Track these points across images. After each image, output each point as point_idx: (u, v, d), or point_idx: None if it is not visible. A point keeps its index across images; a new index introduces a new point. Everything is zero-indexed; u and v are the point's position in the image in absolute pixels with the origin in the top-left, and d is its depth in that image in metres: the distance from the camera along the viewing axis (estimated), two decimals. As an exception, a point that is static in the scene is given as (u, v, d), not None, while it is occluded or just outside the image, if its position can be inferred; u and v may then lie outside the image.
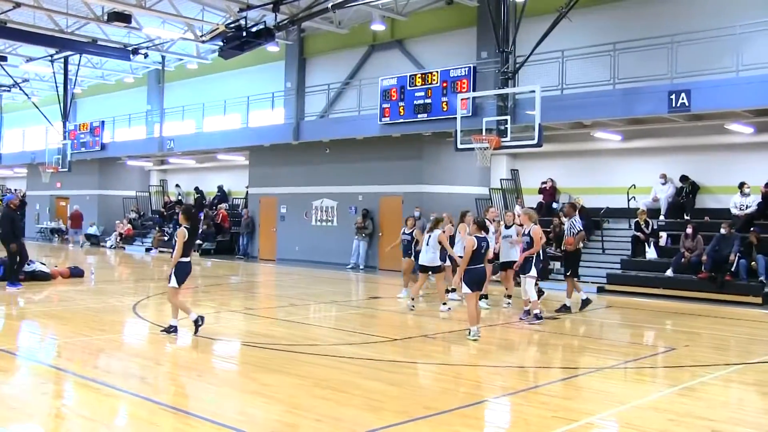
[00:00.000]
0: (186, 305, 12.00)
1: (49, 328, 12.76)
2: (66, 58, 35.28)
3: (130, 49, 31.52)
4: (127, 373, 9.44)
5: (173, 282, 11.55)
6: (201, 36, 28.26)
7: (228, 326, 13.69)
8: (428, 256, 15.51)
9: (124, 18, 24.45)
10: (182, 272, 11.60)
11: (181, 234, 11.49)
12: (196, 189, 37.56)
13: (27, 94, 40.31)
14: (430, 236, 15.54)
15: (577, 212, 16.30)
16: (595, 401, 8.29)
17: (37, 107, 38.70)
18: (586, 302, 15.76)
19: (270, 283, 23.15)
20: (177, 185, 39.43)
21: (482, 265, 12.13)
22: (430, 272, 15.76)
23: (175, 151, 34.12)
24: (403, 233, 17.68)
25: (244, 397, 8.24)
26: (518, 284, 15.99)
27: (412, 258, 17.19)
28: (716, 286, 18.17)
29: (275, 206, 30.37)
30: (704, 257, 18.54)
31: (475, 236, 12.02)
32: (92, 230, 38.82)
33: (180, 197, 38.05)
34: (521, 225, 15.00)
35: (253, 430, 6.84)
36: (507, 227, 15.76)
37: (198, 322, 11.61)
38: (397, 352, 11.06)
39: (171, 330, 11.62)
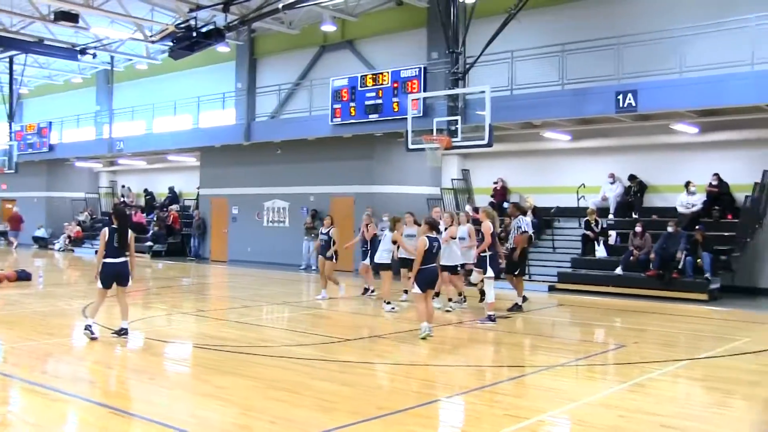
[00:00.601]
0: (97, 310, 11.65)
1: (-5, 332, 12.51)
2: (11, 58, 34.71)
3: (77, 49, 31.06)
4: (76, 377, 9.31)
5: (98, 283, 11.43)
6: (150, 36, 27.93)
7: (180, 328, 13.57)
8: (383, 255, 15.82)
9: (71, 17, 24.09)
10: (105, 273, 11.40)
11: (102, 234, 11.44)
12: (146, 190, 37.15)
13: (-29, 94, 39.53)
14: (384, 235, 15.67)
15: (522, 212, 16.60)
16: (547, 399, 8.38)
17: (-19, 108, 37.98)
18: (516, 307, 15.69)
19: (222, 284, 22.99)
20: (123, 186, 38.94)
21: (434, 264, 12.15)
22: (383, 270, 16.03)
23: (125, 152, 33.69)
24: (321, 233, 17.81)
25: (196, 400, 8.18)
26: (469, 283, 16.18)
27: (337, 257, 17.64)
28: (664, 283, 18.49)
29: (226, 207, 30.18)
30: (652, 255, 18.85)
31: (427, 236, 12.05)
32: (40, 233, 38.14)
33: (125, 198, 37.55)
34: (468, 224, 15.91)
35: (205, 433, 6.79)
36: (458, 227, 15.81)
37: (120, 332, 11.50)
38: (349, 353, 11.05)
39: (122, 333, 11.48)
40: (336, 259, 17.45)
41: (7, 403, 8.15)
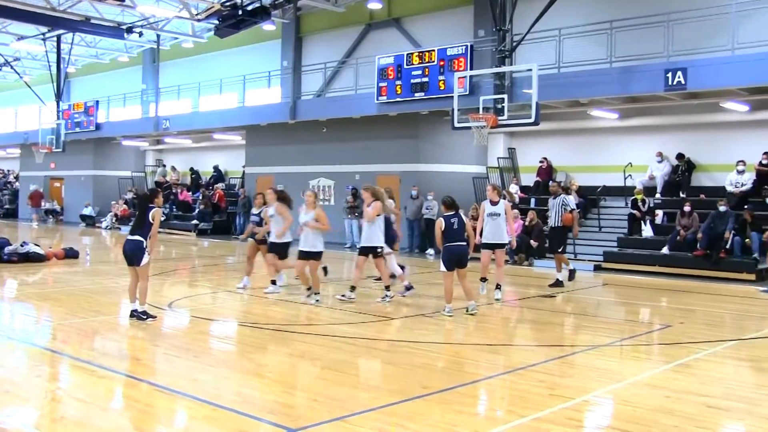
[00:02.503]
0: (132, 290, 11.30)
1: (44, 310, 12.73)
2: (58, 37, 35.07)
3: (124, 27, 31.37)
4: (122, 354, 9.46)
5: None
6: (196, 14, 28.12)
7: (225, 306, 13.70)
8: (365, 236, 13.99)
9: (118, -4, 24.32)
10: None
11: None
12: (192, 169, 37.47)
13: (19, 73, 40.13)
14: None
15: (568, 192, 16.48)
16: (592, 379, 8.32)
17: (29, 86, 38.56)
18: (558, 283, 15.79)
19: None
20: (160, 164, 39.32)
21: (459, 243, 12.10)
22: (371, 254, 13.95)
23: (171, 130, 34.02)
24: (252, 213, 15.43)
25: (240, 378, 8.25)
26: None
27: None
28: (711, 263, 18.25)
29: (272, 185, 30.27)
30: (699, 235, 18.59)
31: (444, 215, 12.16)
32: (87, 211, 38.73)
33: (164, 177, 37.92)
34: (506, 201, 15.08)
35: (250, 410, 6.84)
36: (493, 204, 14.35)
37: (141, 316, 11.08)
38: (393, 331, 11.07)
39: (132, 315, 11.19)
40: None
41: (57, 380, 8.31)
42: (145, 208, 11.17)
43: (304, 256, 13.33)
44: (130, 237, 11.12)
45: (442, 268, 12.14)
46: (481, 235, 14.18)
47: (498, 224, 14.07)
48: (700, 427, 6.60)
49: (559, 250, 15.97)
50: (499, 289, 14.01)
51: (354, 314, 12.37)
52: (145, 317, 11.08)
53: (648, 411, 7.00)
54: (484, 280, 14.41)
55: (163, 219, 13.21)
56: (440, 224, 12.10)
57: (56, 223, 40.73)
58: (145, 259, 11.03)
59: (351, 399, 7.29)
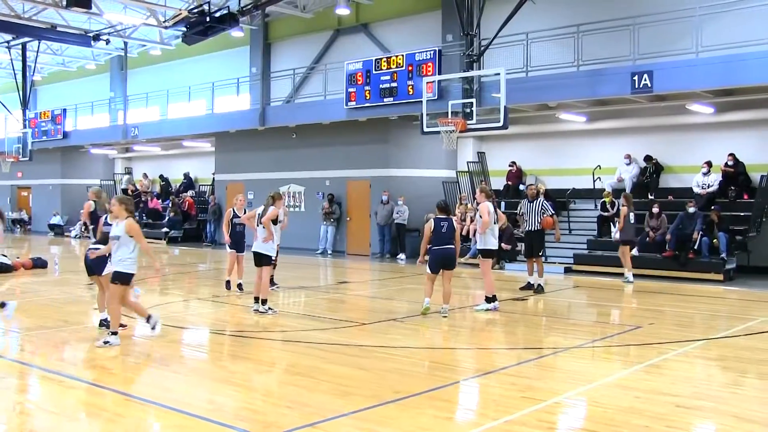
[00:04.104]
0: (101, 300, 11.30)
1: (11, 321, 12.55)
2: (24, 45, 34.75)
3: (91, 35, 31.02)
4: (92, 364, 9.34)
5: None
6: (164, 21, 27.97)
7: (196, 314, 13.63)
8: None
9: (84, 3, 24.04)
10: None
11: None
12: (162, 176, 37.24)
13: (-17, 82, 39.70)
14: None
15: (542, 195, 16.44)
16: (563, 381, 8.37)
17: (-6, 95, 38.12)
18: (540, 288, 15.76)
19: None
20: (126, 173, 39.06)
21: (446, 246, 12.37)
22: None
23: (140, 138, 33.77)
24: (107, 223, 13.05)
25: (212, 386, 8.22)
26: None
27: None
28: (680, 264, 18.47)
29: (242, 192, 30.13)
30: (668, 236, 18.79)
31: (435, 218, 12.45)
32: (56, 220, 38.35)
33: (130, 185, 37.69)
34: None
35: (221, 418, 6.81)
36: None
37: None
38: (365, 337, 11.06)
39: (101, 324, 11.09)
40: None
41: (25, 391, 8.22)
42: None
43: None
44: (93, 247, 11.15)
45: (427, 269, 12.52)
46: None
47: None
48: (670, 426, 6.67)
49: (540, 254, 15.96)
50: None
51: (325, 320, 12.35)
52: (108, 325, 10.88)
53: (618, 411, 7.06)
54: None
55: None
56: (430, 225, 12.40)
57: (24, 232, 40.28)
58: (107, 270, 10.85)
59: (323, 405, 7.28)
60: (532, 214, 15.68)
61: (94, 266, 10.99)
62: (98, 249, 10.75)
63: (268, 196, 13.30)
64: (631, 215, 18.03)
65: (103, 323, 11.05)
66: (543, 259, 16.88)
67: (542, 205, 15.71)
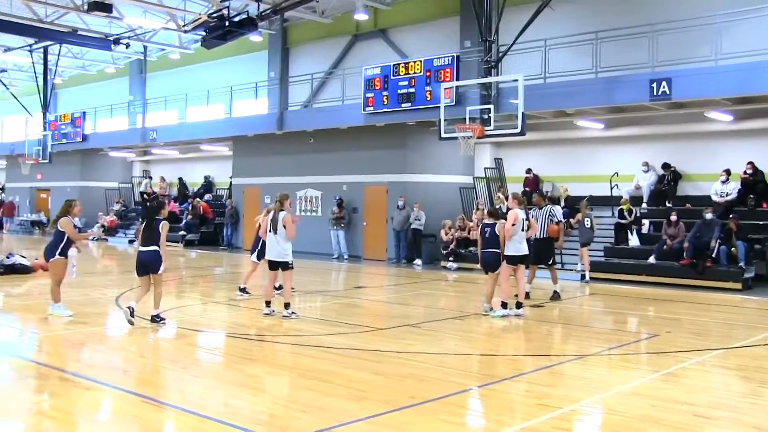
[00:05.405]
0: (140, 296, 11.94)
1: (29, 322, 12.65)
2: (45, 48, 35.01)
3: (111, 39, 31.27)
4: (109, 366, 9.40)
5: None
6: (183, 26, 28.12)
7: (212, 317, 13.67)
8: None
9: (104, 7, 24.25)
10: (136, 261, 12.01)
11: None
12: (180, 180, 37.39)
13: (5, 84, 40.01)
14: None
15: (558, 203, 16.40)
16: (579, 388, 8.34)
17: (15, 98, 38.39)
18: (556, 295, 15.69)
19: (254, 273, 23.02)
20: (146, 176, 39.24)
21: (485, 250, 13.26)
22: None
23: (158, 141, 33.97)
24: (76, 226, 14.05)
25: (228, 389, 8.23)
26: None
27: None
28: (697, 272, 18.35)
29: (259, 196, 30.28)
30: (686, 244, 18.69)
31: (482, 223, 13.51)
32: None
33: (149, 188, 37.82)
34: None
35: (237, 421, 6.83)
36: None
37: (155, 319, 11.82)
38: (381, 342, 11.07)
39: (153, 320, 11.74)
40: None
41: (42, 392, 8.26)
42: (153, 220, 11.84)
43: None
44: (145, 248, 11.78)
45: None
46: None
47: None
48: (687, 435, 6.64)
49: (550, 263, 15.83)
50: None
51: (340, 325, 12.36)
52: (158, 320, 11.72)
53: (635, 420, 7.03)
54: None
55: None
56: (479, 230, 13.57)
57: (43, 234, 40.49)
58: (162, 268, 11.76)
59: (339, 409, 7.29)
60: (539, 222, 15.52)
61: (151, 266, 11.71)
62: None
63: (275, 200, 13.10)
64: (586, 220, 19.85)
65: (155, 319, 11.71)
66: (558, 266, 16.79)
67: (550, 212, 15.61)
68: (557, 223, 15.49)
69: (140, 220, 11.40)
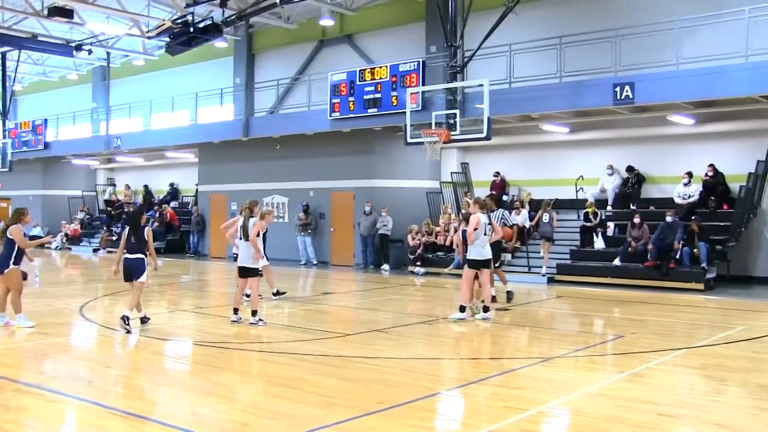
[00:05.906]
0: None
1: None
2: (4, 54, 34.52)
3: (73, 45, 30.93)
4: (73, 377, 9.29)
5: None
6: (147, 32, 27.92)
7: (179, 326, 13.57)
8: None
9: (65, 13, 24.01)
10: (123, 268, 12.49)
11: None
12: (146, 187, 37.05)
13: (-39, 91, 39.42)
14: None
15: (521, 206, 16.56)
16: (546, 390, 8.39)
17: (-28, 105, 37.84)
18: (510, 295, 15.89)
19: (221, 281, 22.95)
20: (108, 179, 38.88)
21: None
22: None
23: (123, 149, 33.63)
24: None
25: (195, 397, 8.19)
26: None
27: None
28: (661, 273, 18.58)
29: (225, 203, 30.15)
30: (650, 246, 18.90)
31: (462, 229, 13.92)
32: (36, 231, 37.95)
33: (114, 196, 37.54)
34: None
35: (204, 430, 6.80)
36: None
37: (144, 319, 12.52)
38: (348, 348, 11.07)
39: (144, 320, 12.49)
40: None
41: (4, 406, 8.12)
42: (138, 227, 12.35)
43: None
44: (131, 256, 12.22)
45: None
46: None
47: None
48: (652, 435, 6.71)
49: (496, 265, 15.69)
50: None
51: (309, 332, 12.35)
52: (126, 322, 11.93)
53: (600, 420, 7.10)
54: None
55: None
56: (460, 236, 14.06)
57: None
58: (145, 276, 12.33)
59: (307, 416, 7.27)
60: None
61: (136, 272, 12.22)
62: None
63: (243, 206, 13.38)
64: (545, 215, 20.64)
65: (124, 319, 11.95)
66: (506, 271, 17.04)
67: (503, 215, 15.80)
68: (511, 227, 15.73)
69: (120, 227, 11.76)
